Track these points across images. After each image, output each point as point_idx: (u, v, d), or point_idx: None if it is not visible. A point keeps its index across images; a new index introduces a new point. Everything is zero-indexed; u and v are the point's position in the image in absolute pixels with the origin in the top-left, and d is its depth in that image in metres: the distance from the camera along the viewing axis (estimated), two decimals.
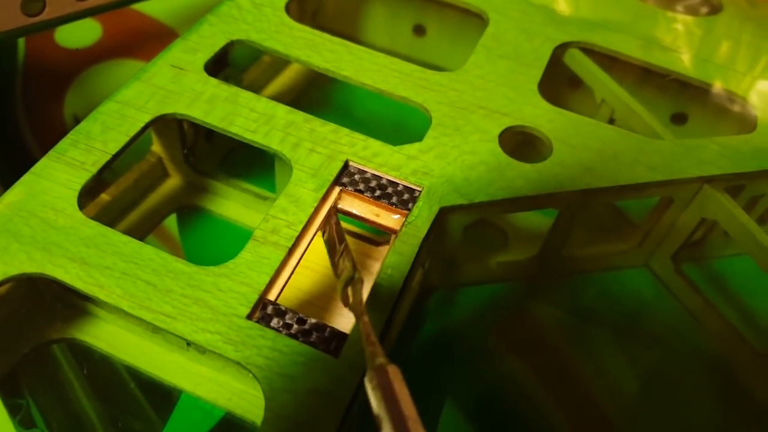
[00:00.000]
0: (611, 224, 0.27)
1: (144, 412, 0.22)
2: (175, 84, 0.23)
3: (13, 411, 0.21)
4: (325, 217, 0.20)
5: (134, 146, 0.22)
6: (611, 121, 0.26)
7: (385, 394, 0.13)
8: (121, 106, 0.22)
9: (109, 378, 0.22)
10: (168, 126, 0.25)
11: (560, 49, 0.27)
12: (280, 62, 0.32)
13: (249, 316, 0.18)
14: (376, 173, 0.21)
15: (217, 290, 0.18)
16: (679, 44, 0.27)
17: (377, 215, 0.21)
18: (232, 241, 0.26)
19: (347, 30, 0.35)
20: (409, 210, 0.20)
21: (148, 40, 0.35)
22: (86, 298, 0.21)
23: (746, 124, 0.25)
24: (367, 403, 0.13)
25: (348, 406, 0.16)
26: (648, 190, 0.22)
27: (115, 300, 0.18)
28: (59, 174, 0.20)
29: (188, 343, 0.21)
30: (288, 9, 0.26)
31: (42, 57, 0.34)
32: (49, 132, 0.32)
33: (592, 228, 0.27)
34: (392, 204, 0.21)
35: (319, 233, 0.20)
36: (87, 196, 0.21)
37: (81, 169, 0.20)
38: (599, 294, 0.27)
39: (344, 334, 0.17)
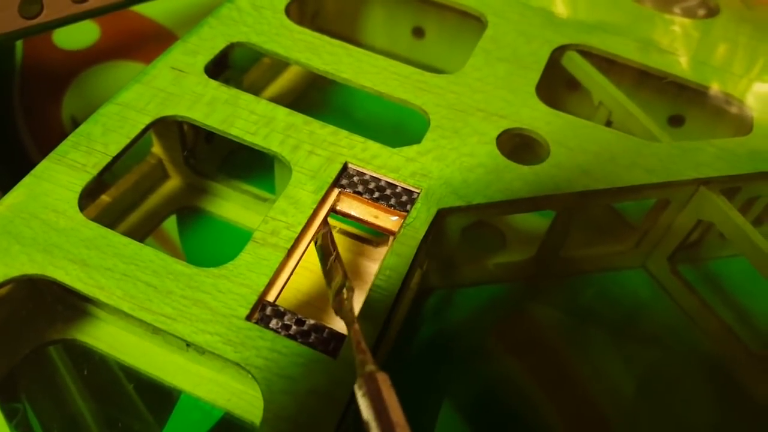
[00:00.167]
0: (608, 225, 0.27)
1: (142, 413, 0.22)
2: (175, 86, 0.23)
3: (9, 415, 0.21)
4: (318, 226, 0.20)
5: (134, 148, 0.22)
6: (609, 124, 0.26)
7: (374, 401, 0.13)
8: (122, 108, 0.22)
9: (107, 380, 0.22)
10: (168, 128, 0.25)
11: (558, 52, 0.27)
12: (281, 64, 0.33)
13: (248, 318, 0.18)
14: (374, 175, 0.21)
15: (216, 291, 0.18)
16: (677, 47, 0.27)
17: (376, 217, 0.21)
18: (231, 242, 0.27)
19: (347, 31, 0.35)
20: (408, 212, 0.20)
21: (146, 41, 0.35)
22: (87, 300, 0.22)
23: (743, 126, 0.25)
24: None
25: (346, 407, 0.16)
26: (645, 192, 0.23)
27: (116, 301, 0.18)
28: (60, 176, 0.20)
29: (188, 344, 0.21)
30: (288, 11, 0.26)
31: (40, 58, 0.34)
32: (47, 133, 0.32)
33: (589, 229, 0.27)
34: (391, 206, 0.21)
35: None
36: (87, 197, 0.21)
37: (82, 171, 0.20)
38: (597, 294, 0.27)
39: (343, 335, 0.18)
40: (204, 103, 0.23)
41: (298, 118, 0.22)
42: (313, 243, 0.20)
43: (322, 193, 0.20)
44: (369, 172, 0.21)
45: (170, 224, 0.27)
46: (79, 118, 0.32)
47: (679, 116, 0.30)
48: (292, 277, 0.19)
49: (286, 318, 0.18)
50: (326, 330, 0.18)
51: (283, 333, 0.18)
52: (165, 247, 0.27)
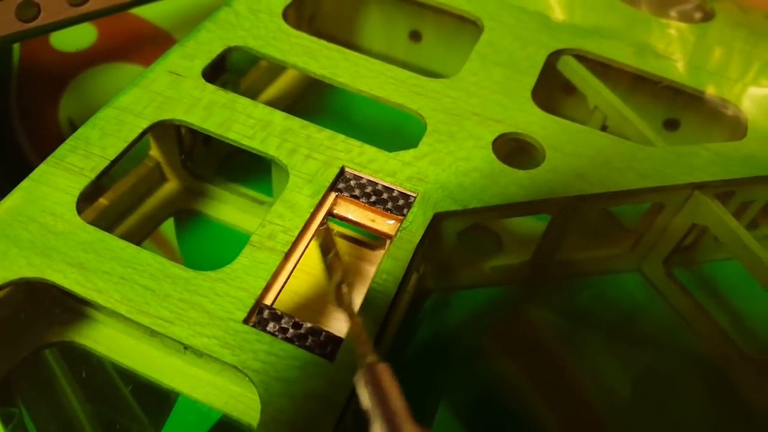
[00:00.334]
0: (604, 229, 0.28)
1: (139, 416, 0.22)
2: (172, 90, 0.23)
3: (6, 420, 0.21)
4: (319, 224, 0.20)
5: (132, 151, 0.22)
6: (604, 128, 0.26)
7: (375, 391, 0.13)
8: (120, 112, 0.22)
9: (104, 383, 0.23)
10: (166, 131, 0.26)
11: (554, 56, 0.27)
12: (278, 67, 0.33)
13: (245, 321, 0.18)
14: (371, 179, 0.21)
15: (214, 295, 0.18)
16: (672, 51, 0.27)
17: (373, 220, 0.21)
18: (229, 245, 0.27)
19: (344, 35, 0.35)
20: (404, 215, 0.21)
21: (144, 43, 0.35)
22: (85, 303, 0.22)
23: (738, 130, 0.25)
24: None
25: (343, 410, 0.16)
26: (640, 196, 0.23)
27: (114, 304, 0.18)
28: (58, 179, 0.20)
29: (185, 347, 0.21)
30: (285, 15, 0.26)
31: (37, 60, 0.34)
32: (44, 135, 0.33)
33: (585, 232, 0.27)
34: (387, 209, 0.21)
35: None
36: (85, 201, 0.21)
37: (80, 175, 0.20)
38: (592, 297, 0.27)
39: (339, 338, 0.18)
40: (201, 106, 0.23)
41: (295, 122, 0.23)
42: (310, 245, 0.20)
43: (319, 196, 0.21)
44: (366, 176, 0.21)
45: (168, 227, 0.28)
46: (77, 121, 0.32)
47: (674, 120, 0.31)
48: (289, 280, 0.19)
49: (283, 321, 0.18)
50: (323, 333, 0.18)
51: (280, 336, 0.18)
52: (162, 250, 0.27)
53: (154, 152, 0.27)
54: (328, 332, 0.18)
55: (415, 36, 0.34)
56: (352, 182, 0.21)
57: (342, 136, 0.22)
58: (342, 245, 0.24)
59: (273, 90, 0.33)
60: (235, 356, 0.17)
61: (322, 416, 0.16)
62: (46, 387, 0.22)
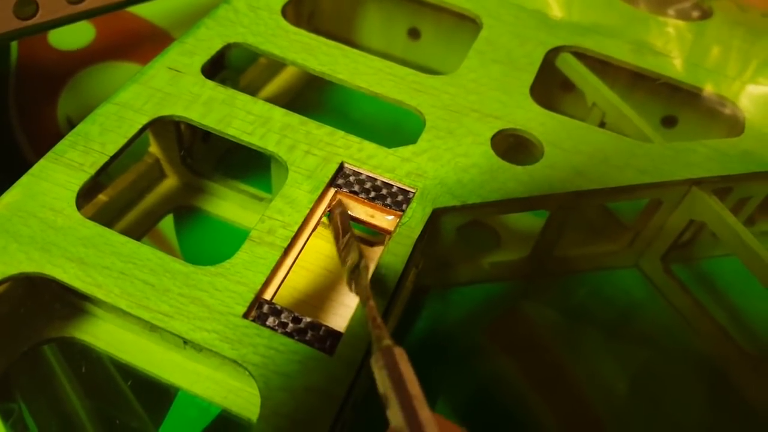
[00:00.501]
0: (602, 225, 0.28)
1: (138, 411, 0.22)
2: (172, 86, 0.23)
3: (5, 416, 0.21)
4: (332, 204, 0.20)
5: (132, 147, 0.22)
6: (602, 125, 0.27)
7: (392, 374, 0.13)
8: (119, 108, 0.22)
9: (104, 379, 0.23)
10: (165, 127, 0.26)
11: (552, 53, 0.27)
12: (277, 64, 0.33)
13: (245, 315, 0.18)
14: (370, 175, 0.21)
15: (213, 289, 0.18)
16: (670, 49, 0.27)
17: (372, 216, 0.21)
18: (228, 241, 0.27)
19: (343, 32, 0.35)
20: (403, 211, 0.21)
21: (142, 42, 0.35)
22: (85, 298, 0.22)
23: (735, 127, 0.25)
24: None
25: (342, 403, 0.16)
26: (638, 192, 0.23)
27: (114, 299, 0.18)
28: (58, 175, 0.20)
29: (185, 342, 0.21)
30: (284, 12, 0.27)
31: (35, 59, 0.34)
32: (42, 133, 0.32)
33: (583, 229, 0.28)
34: (386, 205, 0.21)
35: (314, 233, 0.20)
36: (85, 196, 0.21)
37: (79, 171, 0.20)
38: (590, 293, 0.27)
39: (339, 332, 0.18)
40: (201, 103, 0.23)
41: (295, 119, 0.23)
42: (310, 240, 0.20)
43: (319, 192, 0.21)
44: (365, 171, 0.21)
45: (167, 223, 0.28)
46: (75, 119, 0.32)
47: (672, 117, 0.31)
48: (288, 275, 0.19)
49: (282, 316, 0.18)
50: (323, 327, 0.18)
51: (279, 330, 0.18)
52: (162, 246, 0.27)
53: (154, 149, 0.27)
54: (327, 327, 0.18)
55: (414, 33, 0.34)
56: (352, 178, 0.21)
57: (341, 132, 0.22)
58: None
59: (272, 87, 0.33)
60: (234, 350, 0.17)
61: (321, 410, 0.16)
62: (46, 382, 0.22)
